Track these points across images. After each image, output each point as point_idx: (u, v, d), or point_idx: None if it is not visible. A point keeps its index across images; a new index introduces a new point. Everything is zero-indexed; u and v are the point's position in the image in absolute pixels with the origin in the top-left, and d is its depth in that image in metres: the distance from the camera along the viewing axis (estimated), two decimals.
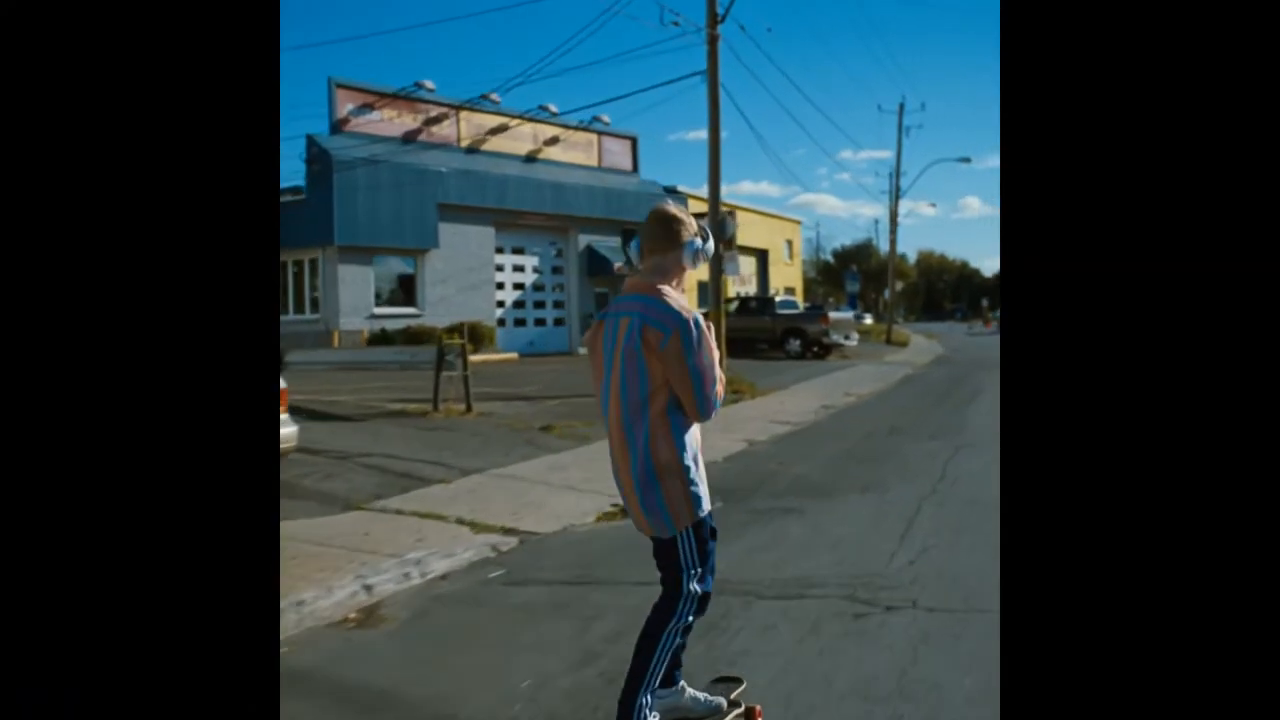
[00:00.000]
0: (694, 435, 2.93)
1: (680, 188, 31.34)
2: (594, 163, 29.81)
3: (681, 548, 2.90)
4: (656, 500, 2.85)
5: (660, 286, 2.90)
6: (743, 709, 3.17)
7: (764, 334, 26.83)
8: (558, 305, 28.60)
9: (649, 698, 2.89)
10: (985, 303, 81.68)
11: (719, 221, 16.78)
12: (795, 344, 26.40)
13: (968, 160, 39.19)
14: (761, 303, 28.15)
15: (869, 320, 65.79)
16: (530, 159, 27.84)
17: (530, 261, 27.85)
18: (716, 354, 2.90)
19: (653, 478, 2.84)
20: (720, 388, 2.91)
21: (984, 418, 12.34)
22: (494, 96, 26.23)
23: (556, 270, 28.62)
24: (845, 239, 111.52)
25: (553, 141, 28.69)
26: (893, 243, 40.60)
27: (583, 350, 17.21)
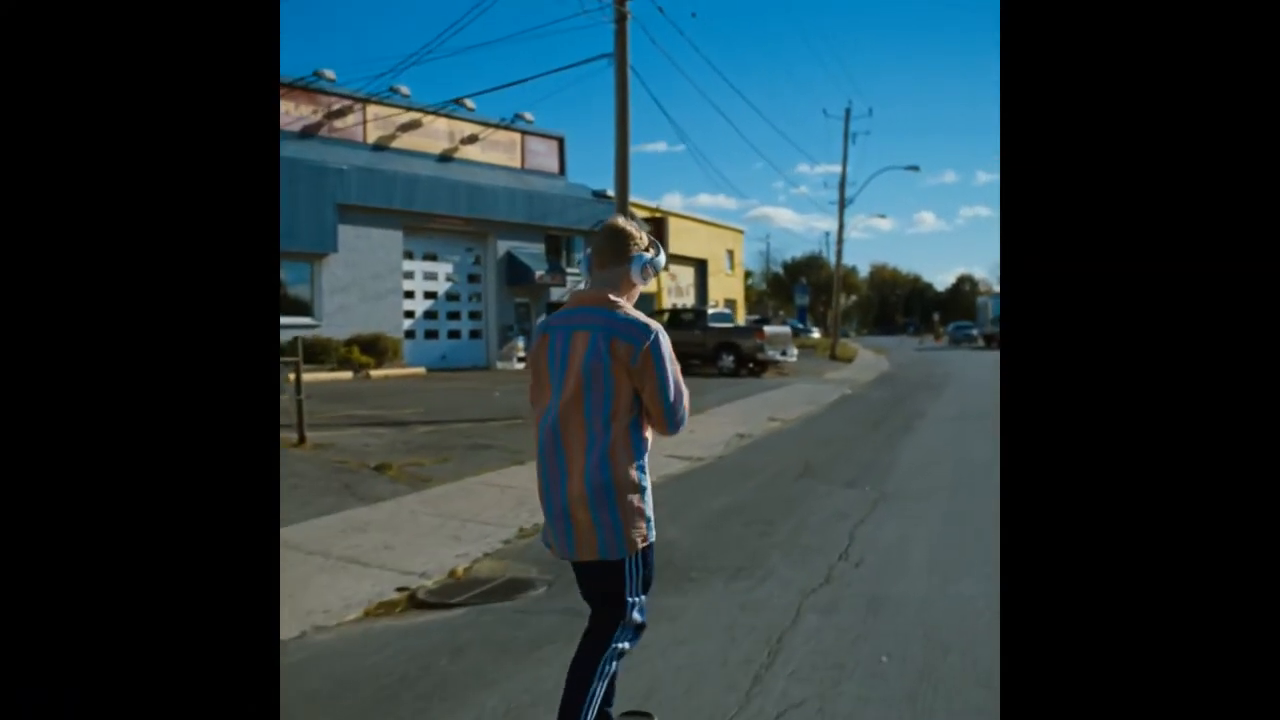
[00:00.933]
0: (647, 460, 2.83)
1: (610, 192, 29.40)
2: (516, 164, 27.82)
3: (629, 572, 2.75)
4: (612, 519, 2.68)
5: (613, 298, 2.80)
6: None
7: (696, 349, 24.98)
8: (474, 316, 26.50)
9: None
10: (937, 316, 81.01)
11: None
12: (729, 360, 24.57)
13: (916, 169, 36.58)
14: (694, 315, 26.26)
15: (816, 334, 64.41)
16: (445, 158, 25.79)
17: (443, 269, 25.72)
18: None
19: (611, 496, 2.68)
20: (686, 401, 2.85)
21: (917, 453, 10.50)
22: (403, 89, 24.17)
23: (473, 279, 26.53)
24: (799, 252, 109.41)
25: (471, 140, 26.66)
26: (839, 253, 38.80)
27: (501, 365, 13.84)
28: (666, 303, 33.30)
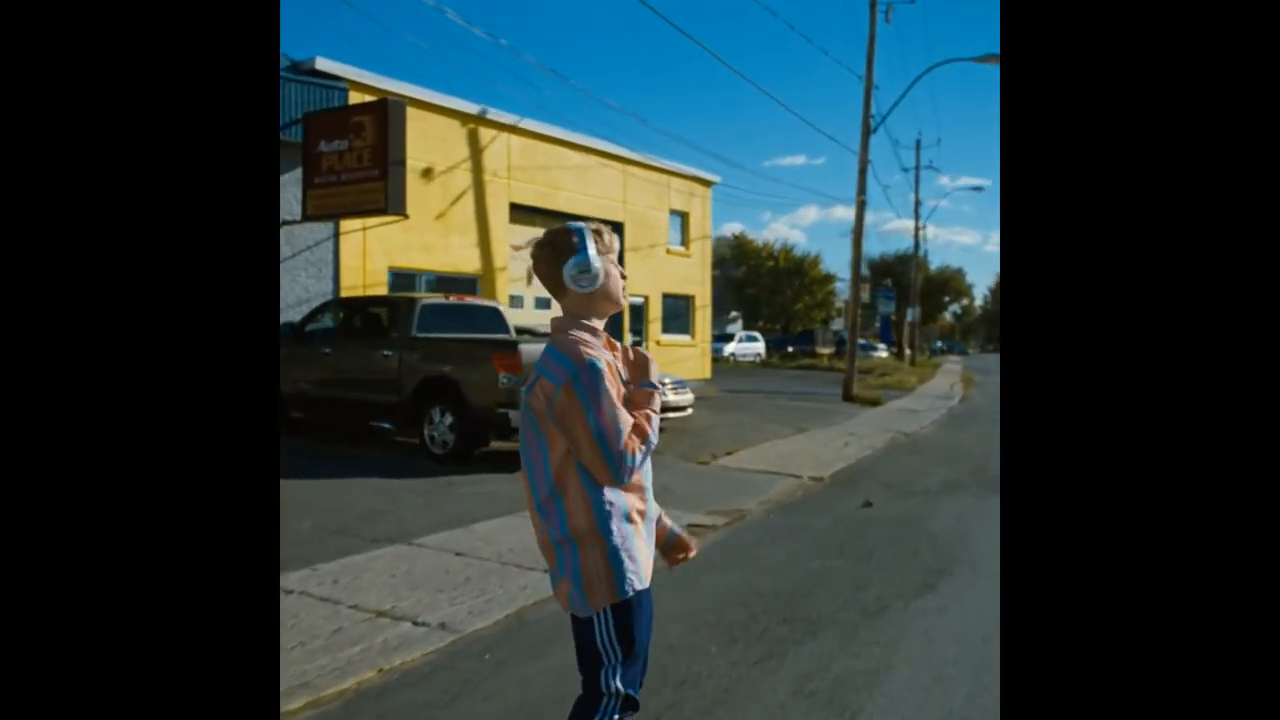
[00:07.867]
0: (623, 496, 2.34)
1: (322, 63, 14.37)
2: None
3: (598, 631, 2.36)
4: (573, 572, 2.34)
5: (569, 331, 2.33)
6: None
7: (381, 389, 9.89)
8: None
9: None
10: None
11: None
12: (443, 424, 9.36)
13: (994, 58, 19.82)
14: (384, 311, 10.94)
15: (883, 352, 47.43)
16: None
17: None
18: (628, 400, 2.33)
19: (572, 546, 2.33)
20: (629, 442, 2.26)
21: None
22: None
23: None
24: (906, 254, 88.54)
25: None
26: (859, 218, 21.74)
27: None
28: (503, 297, 17.77)
